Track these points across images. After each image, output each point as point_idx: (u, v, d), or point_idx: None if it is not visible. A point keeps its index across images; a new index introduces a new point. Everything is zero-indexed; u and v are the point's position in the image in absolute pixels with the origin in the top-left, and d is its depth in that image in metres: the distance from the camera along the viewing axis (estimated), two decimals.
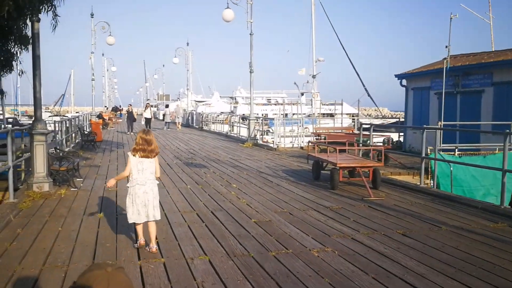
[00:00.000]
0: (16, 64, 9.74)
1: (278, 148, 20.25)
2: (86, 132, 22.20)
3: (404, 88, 21.14)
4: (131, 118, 30.61)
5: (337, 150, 10.56)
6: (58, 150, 12.03)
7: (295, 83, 31.14)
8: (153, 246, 6.04)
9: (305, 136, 21.28)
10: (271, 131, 24.82)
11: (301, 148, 20.76)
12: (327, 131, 20.14)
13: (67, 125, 19.85)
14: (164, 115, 40.26)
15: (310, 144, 14.95)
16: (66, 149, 18.10)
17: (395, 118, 44.59)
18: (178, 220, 7.73)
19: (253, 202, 9.19)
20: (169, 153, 18.78)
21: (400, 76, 21.15)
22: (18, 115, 55.33)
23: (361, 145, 13.21)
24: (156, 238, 6.27)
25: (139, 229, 6.21)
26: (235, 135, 29.31)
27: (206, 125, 37.98)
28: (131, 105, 33.02)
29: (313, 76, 48.13)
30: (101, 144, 22.55)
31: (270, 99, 72.37)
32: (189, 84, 55.06)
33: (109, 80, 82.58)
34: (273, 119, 23.77)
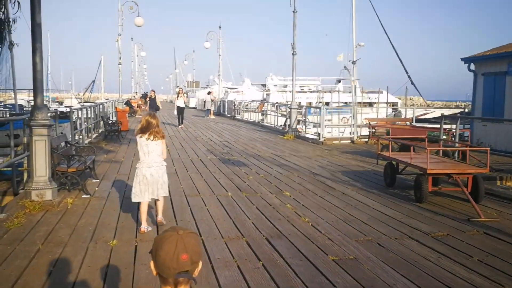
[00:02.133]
0: (6, 34, 7.50)
1: (325, 142, 17.71)
2: (110, 121, 20.11)
3: (472, 74, 18.26)
4: (153, 106, 24.49)
5: (428, 151, 7.96)
6: (69, 145, 9.83)
7: (345, 67, 28.10)
8: (159, 216, 6.41)
9: (357, 127, 18.63)
10: (308, 120, 22.22)
11: (352, 142, 18.17)
12: (383, 123, 17.48)
13: (88, 113, 17.75)
14: (205, 102, 37.65)
15: (379, 140, 12.36)
16: (86, 141, 16.04)
17: (459, 108, 41.00)
18: (221, 255, 5.36)
19: (319, 222, 6.76)
20: (201, 146, 16.49)
21: (468, 60, 18.24)
22: (49, 101, 54.18)
23: (441, 141, 10.58)
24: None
25: (143, 208, 6.25)
26: (270, 125, 26.89)
27: (238, 114, 35.66)
28: (153, 90, 26.51)
29: (353, 62, 45.16)
30: (126, 134, 20.44)
31: (303, 87, 69.59)
32: (220, 70, 52.84)
33: (139, 66, 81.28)
34: (318, 107, 21.15)
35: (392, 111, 32.01)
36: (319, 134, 18.19)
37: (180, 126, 24.09)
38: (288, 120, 27.98)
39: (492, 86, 17.43)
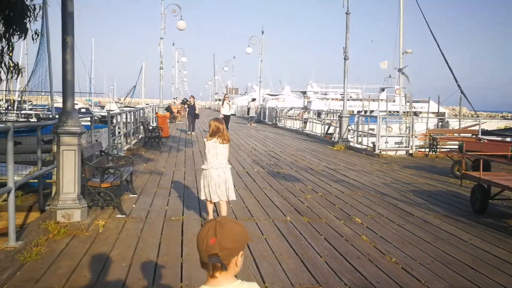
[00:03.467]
0: (29, 22, 6.37)
1: (381, 154, 16.10)
2: (150, 127, 19.12)
3: None
4: (192, 114, 23.56)
5: None
6: (105, 154, 8.68)
7: (400, 69, 26.18)
8: None
9: (415, 137, 16.92)
10: (351, 129, 20.56)
11: (410, 155, 16.48)
12: (449, 134, 15.76)
13: (127, 117, 16.76)
14: (249, 109, 36.51)
15: (451, 156, 10.68)
16: (125, 148, 15.01)
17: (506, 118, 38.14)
18: None
19: (411, 264, 5.28)
20: (246, 156, 15.18)
21: None
22: (91, 105, 54.48)
23: None
24: None
25: (210, 207, 6.64)
26: (316, 134, 25.41)
27: (279, 121, 34.32)
28: (193, 96, 25.35)
29: (399, 70, 43.11)
30: (167, 141, 19.42)
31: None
32: (261, 76, 51.75)
33: (179, 72, 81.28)
34: (374, 116, 19.54)
35: (439, 121, 29.71)
36: (374, 145, 16.60)
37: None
38: (332, 128, 26.61)
39: None
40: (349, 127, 19.54)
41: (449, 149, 16.89)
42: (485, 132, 17.44)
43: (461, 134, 17.27)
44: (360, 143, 19.21)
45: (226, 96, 24.11)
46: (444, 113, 50.01)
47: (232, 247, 1.86)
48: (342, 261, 5.32)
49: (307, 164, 13.58)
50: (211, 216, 6.54)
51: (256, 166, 12.99)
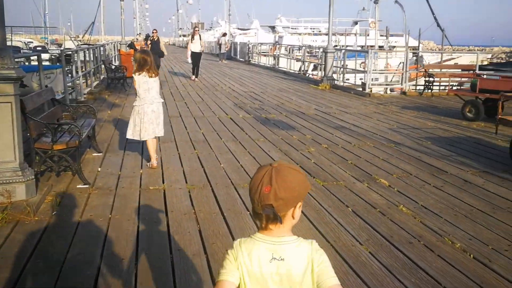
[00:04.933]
0: None
1: (372, 94, 14.66)
2: (113, 67, 16.95)
3: None
4: (157, 50, 18.27)
5: None
6: (58, 103, 6.86)
7: (396, 1, 24.22)
8: (154, 162, 6.24)
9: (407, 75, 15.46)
10: (347, 67, 18.97)
11: (404, 93, 15.09)
12: (447, 70, 14.39)
13: (86, 56, 14.60)
14: (220, 45, 33.70)
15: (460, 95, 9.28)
16: (85, 91, 13.03)
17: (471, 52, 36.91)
18: None
19: (488, 254, 3.91)
20: (225, 99, 13.47)
21: None
22: (48, 43, 50.47)
23: None
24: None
25: (151, 145, 6.30)
26: (295, 72, 23.75)
27: (252, 58, 32.30)
28: (156, 30, 20.23)
29: (375, 2, 41.08)
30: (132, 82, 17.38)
31: (314, 29, 65.43)
32: (230, 9, 48.86)
33: (140, 6, 76.65)
34: (365, 51, 17.85)
35: (413, 56, 28.20)
36: (364, 84, 15.11)
37: (194, 78, 18.25)
38: (304, 65, 24.87)
39: None
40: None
41: (443, 87, 15.65)
42: (481, 68, 16.17)
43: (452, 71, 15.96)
44: (347, 81, 17.70)
45: (196, 29, 19.02)
46: (418, 47, 48.97)
47: (289, 196, 1.56)
48: (391, 251, 3.89)
49: (295, 107, 12.02)
50: (153, 154, 6.27)
51: (239, 110, 11.34)
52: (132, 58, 15.95)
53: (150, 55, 6.30)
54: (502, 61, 51.84)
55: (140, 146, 7.22)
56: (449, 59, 26.14)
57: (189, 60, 18.46)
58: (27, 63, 16.23)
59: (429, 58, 26.50)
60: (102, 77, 17.42)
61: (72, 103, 9.20)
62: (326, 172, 6.16)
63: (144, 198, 5.08)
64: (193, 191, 5.31)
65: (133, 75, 6.27)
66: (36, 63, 10.29)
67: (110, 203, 4.88)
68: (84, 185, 5.41)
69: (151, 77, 6.15)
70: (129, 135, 6.35)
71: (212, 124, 9.50)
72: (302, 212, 3.99)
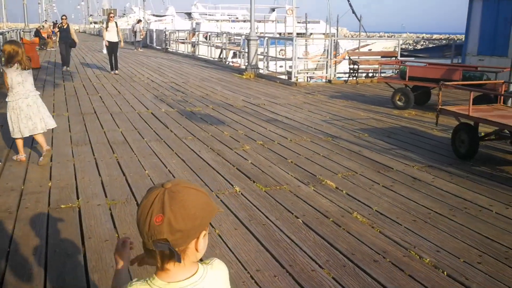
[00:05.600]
0: None
1: (298, 83, 14.29)
2: None
3: None
4: (67, 39, 16.92)
5: None
6: None
7: None
8: (46, 145, 5.95)
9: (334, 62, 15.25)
10: (268, 55, 18.48)
11: (329, 82, 14.87)
12: (371, 57, 14.32)
13: None
14: (135, 32, 31.69)
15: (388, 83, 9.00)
16: None
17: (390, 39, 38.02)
18: None
19: (463, 270, 3.48)
20: (144, 90, 12.45)
21: None
22: None
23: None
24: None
25: (20, 144, 5.94)
26: (215, 59, 23.03)
27: (170, 46, 31.02)
28: (65, 16, 17.68)
29: None
30: (38, 74, 15.74)
31: (231, 15, 64.89)
32: None
33: None
34: (289, 38, 17.35)
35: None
36: (290, 73, 14.71)
37: (114, 72, 16.11)
38: (223, 53, 24.22)
39: (494, 14, 14.66)
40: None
41: (365, 74, 15.68)
42: (406, 54, 16.39)
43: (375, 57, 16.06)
44: (269, 69, 17.26)
45: (111, 16, 16.99)
46: (336, 34, 49.94)
47: (189, 226, 1.22)
48: (357, 274, 3.34)
49: (222, 99, 11.31)
50: (22, 154, 5.92)
51: (161, 104, 10.42)
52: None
53: (21, 46, 5.90)
54: (410, 47, 54.32)
55: (49, 155, 6.17)
56: (365, 45, 26.61)
57: (105, 51, 16.94)
58: None
59: (345, 45, 26.81)
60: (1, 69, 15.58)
61: None
62: (266, 175, 5.54)
63: (53, 221, 4.16)
64: (114, 208, 4.46)
65: (3, 68, 5.90)
66: None
67: (8, 232, 3.91)
68: None
69: (25, 69, 5.73)
70: (14, 134, 5.89)
71: (132, 121, 8.55)
72: (246, 229, 3.35)
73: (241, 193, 4.90)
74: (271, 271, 3.35)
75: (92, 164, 5.89)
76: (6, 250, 3.60)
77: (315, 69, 22.64)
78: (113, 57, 15.95)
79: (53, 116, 8.83)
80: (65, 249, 3.64)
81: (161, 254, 1.25)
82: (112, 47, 16.07)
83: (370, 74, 15.62)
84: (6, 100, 5.84)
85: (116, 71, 16.14)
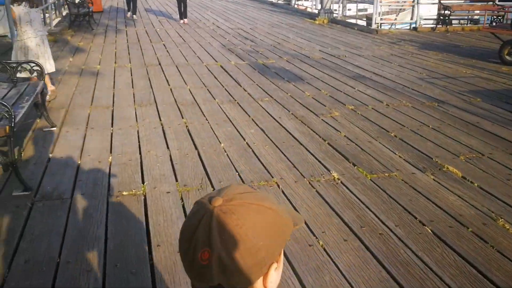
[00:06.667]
0: None
1: (380, 30, 12.74)
2: (76, 1, 14.45)
3: None
4: None
5: None
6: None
7: None
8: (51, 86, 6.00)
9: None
10: None
11: (414, 29, 13.18)
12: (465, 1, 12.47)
13: None
14: None
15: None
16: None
17: None
18: None
19: None
20: (210, 38, 11.42)
21: None
22: None
23: None
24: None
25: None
26: (282, 3, 21.43)
27: None
28: None
29: None
30: (101, 18, 15.06)
31: None
32: None
33: None
34: None
35: None
36: (370, 19, 13.14)
37: (183, 21, 14.14)
38: None
39: None
40: None
41: (458, 21, 13.85)
42: None
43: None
44: (346, 16, 15.67)
45: None
46: None
47: (250, 264, 0.79)
48: None
49: (296, 48, 10.12)
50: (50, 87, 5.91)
51: (230, 55, 9.39)
52: None
53: None
54: None
55: (110, 117, 5.40)
56: None
57: None
58: None
59: None
60: (65, 12, 15.01)
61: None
62: (368, 155, 4.47)
63: (113, 217, 3.34)
64: (187, 198, 3.60)
65: (11, 6, 5.77)
66: None
67: (59, 233, 3.13)
68: (24, 191, 3.64)
69: (33, 7, 5.72)
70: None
71: (200, 76, 7.62)
72: (359, 239, 2.58)
73: (341, 182, 3.89)
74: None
75: (158, 132, 5.04)
76: (55, 260, 2.82)
77: (387, 12, 20.66)
78: (181, 4, 14.38)
79: (114, 67, 8.15)
80: (128, 264, 2.81)
81: None
82: None
83: (463, 22, 13.73)
84: (16, 39, 5.78)
85: (185, 19, 14.35)
